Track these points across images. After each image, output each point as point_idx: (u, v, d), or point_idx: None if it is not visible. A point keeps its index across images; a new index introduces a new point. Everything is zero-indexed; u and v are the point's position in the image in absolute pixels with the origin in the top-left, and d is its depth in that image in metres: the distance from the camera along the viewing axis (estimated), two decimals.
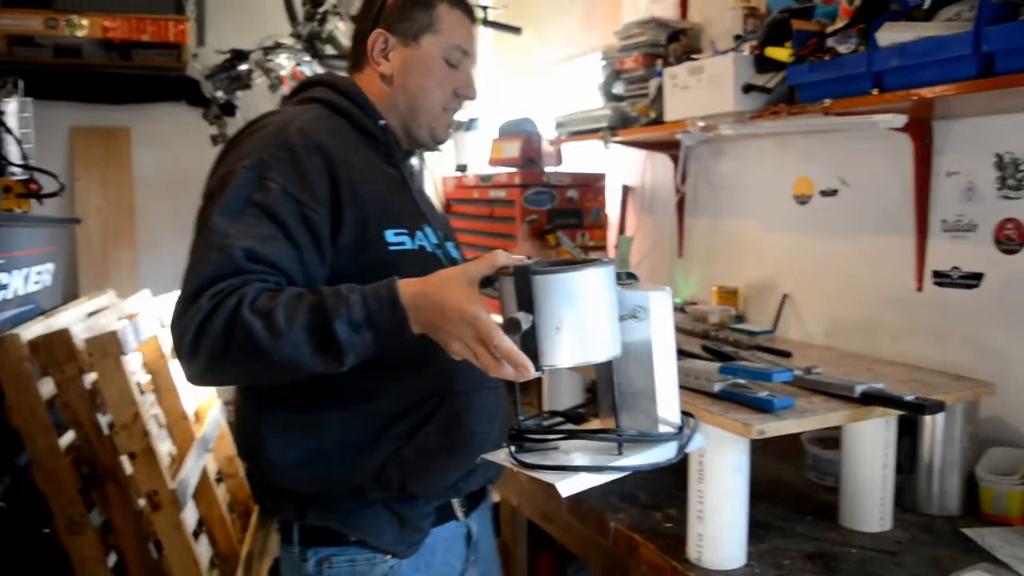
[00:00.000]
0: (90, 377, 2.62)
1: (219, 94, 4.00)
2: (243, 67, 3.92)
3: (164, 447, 2.86)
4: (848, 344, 2.32)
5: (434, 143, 1.55)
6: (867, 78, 1.88)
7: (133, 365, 2.85)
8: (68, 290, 3.83)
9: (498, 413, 1.48)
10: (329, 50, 3.97)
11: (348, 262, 1.31)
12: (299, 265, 1.26)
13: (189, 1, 4.22)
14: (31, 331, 2.62)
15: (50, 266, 3.07)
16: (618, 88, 2.96)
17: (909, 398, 1.58)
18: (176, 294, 1.23)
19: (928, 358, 2.05)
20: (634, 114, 2.88)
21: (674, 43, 2.80)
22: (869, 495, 1.72)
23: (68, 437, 2.64)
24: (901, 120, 1.94)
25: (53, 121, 4.18)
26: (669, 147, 2.95)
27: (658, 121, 2.67)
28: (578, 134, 3.12)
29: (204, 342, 1.16)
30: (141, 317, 3.02)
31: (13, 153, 2.99)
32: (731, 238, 2.82)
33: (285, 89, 3.85)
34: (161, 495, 2.55)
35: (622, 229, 3.41)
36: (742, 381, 1.65)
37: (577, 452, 1.20)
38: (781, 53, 2.13)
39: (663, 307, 1.18)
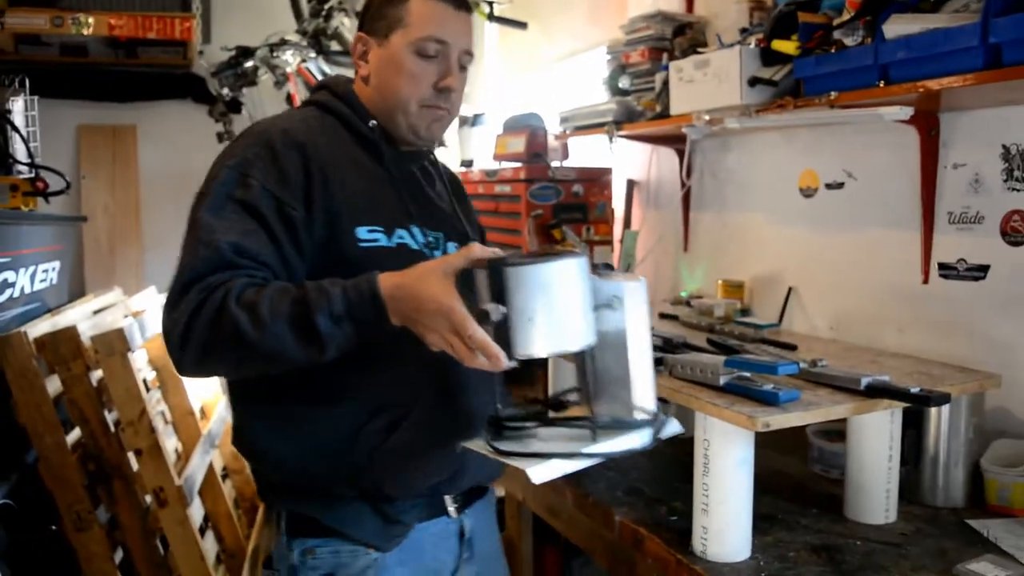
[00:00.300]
0: (96, 374, 2.63)
1: (225, 91, 4.02)
2: (249, 64, 3.94)
3: (170, 443, 2.88)
4: (853, 337, 2.31)
5: (420, 140, 1.50)
6: (873, 70, 1.88)
7: (139, 362, 2.86)
8: (74, 288, 3.84)
9: (482, 417, 1.42)
10: (335, 46, 3.98)
11: (321, 256, 1.34)
12: (280, 259, 1.31)
13: None
14: (38, 329, 2.63)
15: (56, 264, 3.08)
16: (624, 82, 2.96)
17: (914, 390, 1.57)
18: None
19: (933, 350, 2.04)
20: (640, 108, 2.87)
21: (680, 37, 2.79)
22: (874, 487, 1.72)
23: (75, 434, 2.65)
24: (907, 112, 1.93)
25: (59, 119, 4.20)
26: (675, 141, 2.95)
27: (664, 115, 2.67)
28: (583, 129, 3.12)
29: (193, 335, 1.21)
30: (147, 314, 3.03)
31: (20, 151, 3.00)
32: (737, 232, 2.81)
33: (291, 86, 3.86)
34: (167, 491, 2.56)
35: (627, 223, 3.40)
36: (747, 374, 1.64)
37: (553, 439, 1.22)
38: (787, 46, 2.12)
39: (638, 297, 1.20)
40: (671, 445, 2.25)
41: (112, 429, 2.62)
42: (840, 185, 2.38)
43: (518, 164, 3.30)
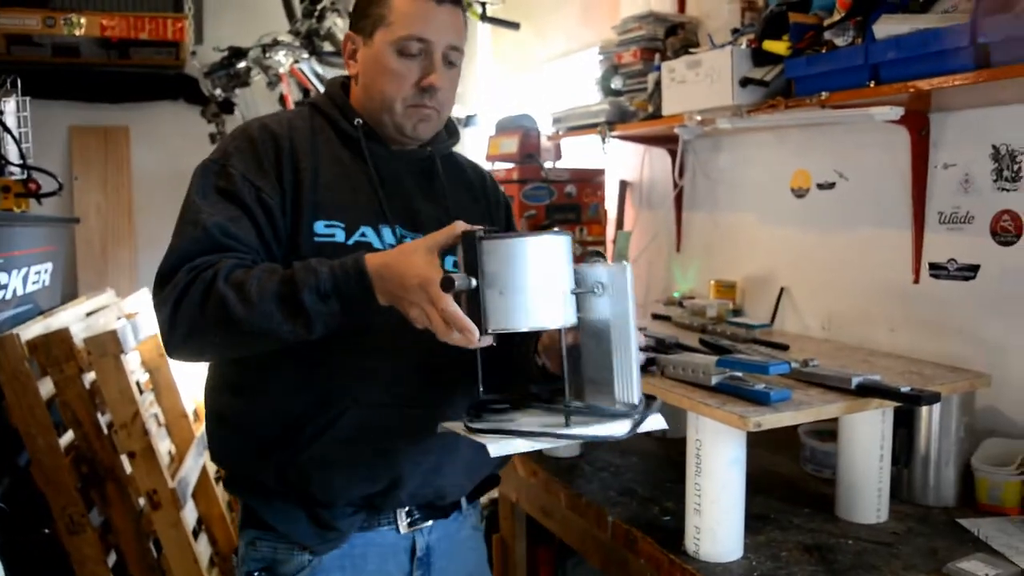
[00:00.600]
0: (89, 376, 2.63)
1: (218, 92, 4.01)
2: (241, 65, 3.93)
3: (163, 446, 2.87)
4: (845, 336, 2.32)
5: (407, 140, 1.48)
6: (864, 71, 1.89)
7: (132, 364, 2.86)
8: (67, 289, 3.83)
9: (424, 434, 1.36)
10: (327, 47, 3.97)
11: (284, 245, 1.35)
12: (261, 244, 1.33)
13: None
14: (30, 331, 2.62)
15: (49, 265, 3.07)
16: (616, 83, 2.96)
17: (905, 390, 1.58)
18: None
19: (924, 350, 2.05)
20: (632, 109, 2.88)
21: (672, 37, 2.80)
22: (866, 487, 1.73)
23: (68, 437, 2.64)
24: (897, 112, 1.94)
25: (51, 120, 4.19)
26: (667, 141, 2.95)
27: (656, 115, 2.67)
28: (576, 129, 3.12)
29: (182, 314, 1.22)
30: (140, 316, 3.03)
31: (12, 152, 2.99)
32: (729, 232, 2.82)
33: (283, 87, 3.85)
34: (160, 494, 2.56)
35: (620, 224, 3.41)
36: (739, 374, 1.65)
37: (530, 422, 1.23)
38: (778, 46, 2.13)
39: (622, 283, 1.20)
40: (662, 445, 2.28)
41: (105, 431, 2.62)
42: (831, 185, 2.39)
43: (511, 165, 3.30)
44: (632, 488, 1.96)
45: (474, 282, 1.12)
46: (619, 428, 1.19)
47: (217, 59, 4.00)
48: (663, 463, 2.14)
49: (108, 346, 2.55)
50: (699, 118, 2.38)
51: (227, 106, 4.07)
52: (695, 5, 2.97)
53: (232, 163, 1.36)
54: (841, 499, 1.76)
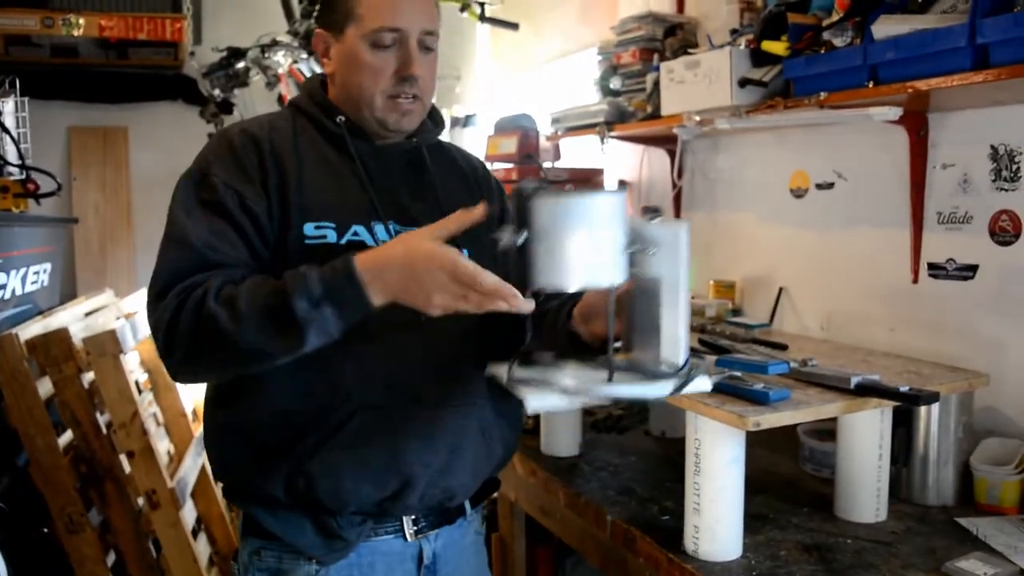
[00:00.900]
0: (88, 376, 2.63)
1: (216, 92, 4.01)
2: (240, 65, 3.93)
3: (162, 446, 2.87)
4: (844, 336, 2.32)
5: (392, 133, 1.44)
6: (863, 71, 1.89)
7: (131, 364, 2.86)
8: (66, 290, 3.83)
9: (437, 437, 1.37)
10: None
11: (274, 252, 1.32)
12: (249, 253, 1.30)
13: None
14: (29, 331, 2.62)
15: (48, 266, 3.07)
16: (615, 83, 2.97)
17: (904, 389, 1.58)
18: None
19: (923, 350, 2.05)
20: (631, 109, 2.88)
21: (670, 38, 2.80)
22: (864, 486, 1.73)
23: (66, 437, 2.64)
24: (896, 113, 1.94)
25: (50, 121, 4.19)
26: (666, 142, 2.95)
27: (655, 116, 2.67)
28: (575, 129, 3.12)
29: (177, 339, 1.20)
30: (139, 316, 3.03)
31: (10, 153, 2.99)
32: (728, 232, 2.82)
33: (282, 87, 3.86)
34: (160, 494, 2.55)
35: None
36: (738, 374, 1.65)
37: (573, 377, 1.19)
38: (777, 47, 2.13)
39: (677, 242, 1.18)
40: (661, 445, 2.28)
41: (104, 431, 2.62)
42: (830, 185, 2.39)
43: (510, 165, 3.31)
44: (631, 487, 1.96)
45: (522, 239, 1.10)
46: (662, 389, 1.16)
47: (216, 59, 4.00)
48: (662, 462, 2.14)
49: (107, 346, 2.55)
50: (698, 118, 2.39)
51: (226, 106, 4.07)
52: (694, 5, 2.97)
53: (214, 171, 1.32)
54: (840, 498, 1.76)
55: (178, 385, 3.07)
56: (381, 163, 1.44)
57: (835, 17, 1.97)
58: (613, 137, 2.95)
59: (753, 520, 1.69)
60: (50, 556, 2.57)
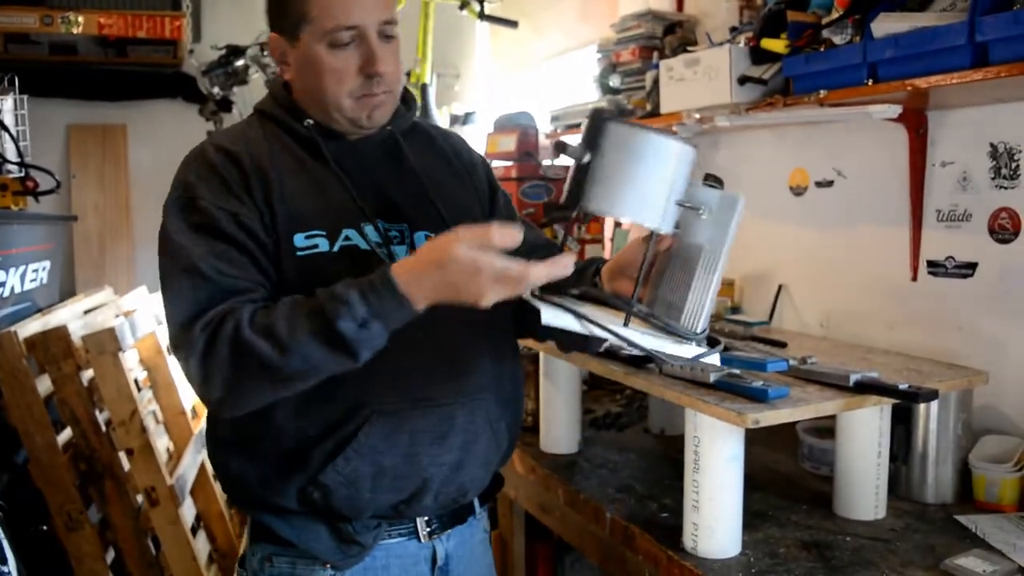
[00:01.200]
0: (87, 374, 2.63)
1: (215, 90, 4.00)
2: (239, 63, 3.92)
3: (162, 443, 2.87)
4: (843, 334, 2.32)
5: (365, 130, 1.39)
6: (862, 69, 1.89)
7: (130, 361, 2.86)
8: (65, 287, 3.83)
9: (450, 434, 1.36)
10: None
11: (273, 265, 1.29)
12: (258, 269, 1.27)
13: None
14: (28, 328, 2.62)
15: (47, 263, 3.08)
16: (614, 81, 2.97)
17: (903, 387, 1.58)
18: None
19: (922, 347, 2.05)
20: (630, 107, 2.88)
21: (670, 35, 2.80)
22: (863, 483, 1.73)
23: (66, 434, 2.65)
24: (895, 111, 1.94)
25: (49, 119, 4.18)
26: None
27: (654, 114, 2.67)
28: (574, 127, 3.12)
29: (214, 376, 1.18)
30: (138, 314, 3.03)
31: (9, 151, 2.99)
32: None
33: None
34: (159, 491, 2.56)
35: (618, 222, 3.41)
36: (737, 371, 1.65)
37: (599, 316, 1.19)
38: (777, 44, 2.13)
39: (729, 213, 1.20)
40: (660, 442, 2.28)
41: (103, 429, 2.62)
42: (830, 183, 2.39)
43: (509, 163, 3.31)
44: (630, 485, 1.97)
45: (587, 157, 1.12)
46: (680, 350, 1.18)
47: (215, 57, 4.00)
48: (661, 460, 2.14)
49: (106, 343, 2.55)
50: (697, 116, 2.38)
51: (225, 104, 4.06)
52: (693, 3, 2.97)
53: (200, 194, 1.27)
54: (839, 496, 1.77)
55: (177, 383, 3.07)
56: (357, 160, 1.40)
57: (835, 15, 1.97)
58: None
59: (752, 517, 1.70)
60: (49, 554, 2.57)
